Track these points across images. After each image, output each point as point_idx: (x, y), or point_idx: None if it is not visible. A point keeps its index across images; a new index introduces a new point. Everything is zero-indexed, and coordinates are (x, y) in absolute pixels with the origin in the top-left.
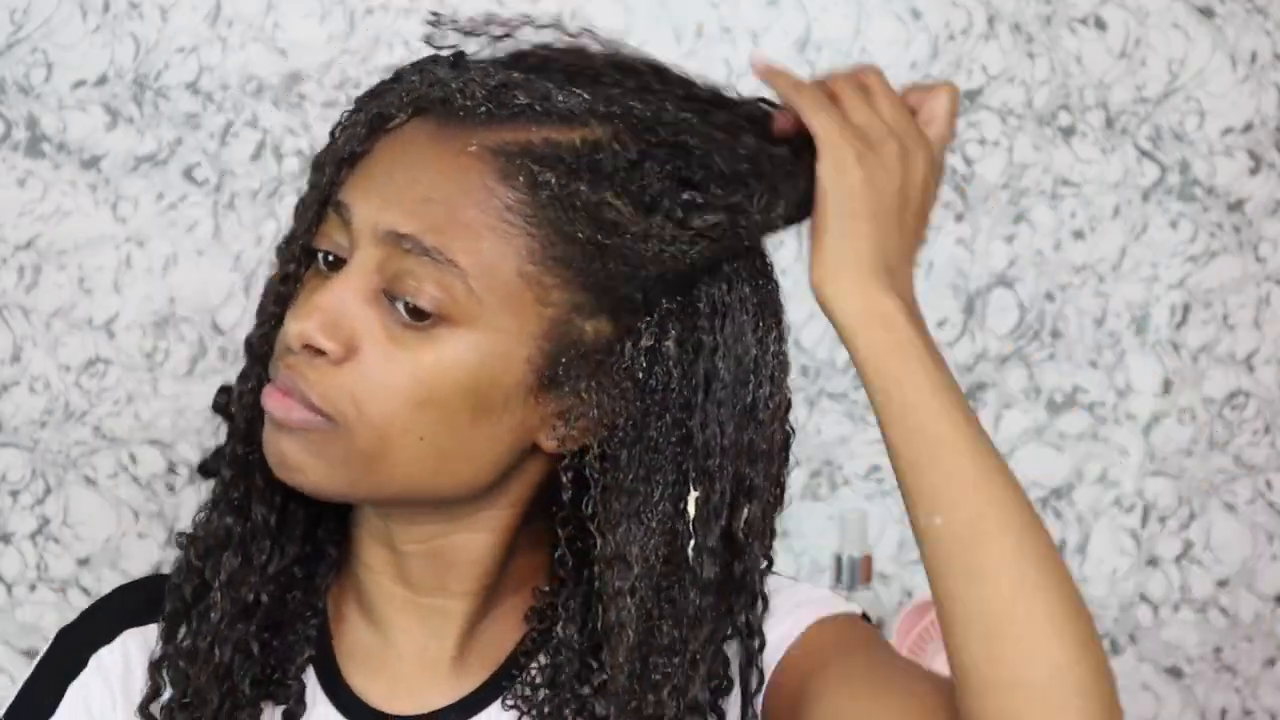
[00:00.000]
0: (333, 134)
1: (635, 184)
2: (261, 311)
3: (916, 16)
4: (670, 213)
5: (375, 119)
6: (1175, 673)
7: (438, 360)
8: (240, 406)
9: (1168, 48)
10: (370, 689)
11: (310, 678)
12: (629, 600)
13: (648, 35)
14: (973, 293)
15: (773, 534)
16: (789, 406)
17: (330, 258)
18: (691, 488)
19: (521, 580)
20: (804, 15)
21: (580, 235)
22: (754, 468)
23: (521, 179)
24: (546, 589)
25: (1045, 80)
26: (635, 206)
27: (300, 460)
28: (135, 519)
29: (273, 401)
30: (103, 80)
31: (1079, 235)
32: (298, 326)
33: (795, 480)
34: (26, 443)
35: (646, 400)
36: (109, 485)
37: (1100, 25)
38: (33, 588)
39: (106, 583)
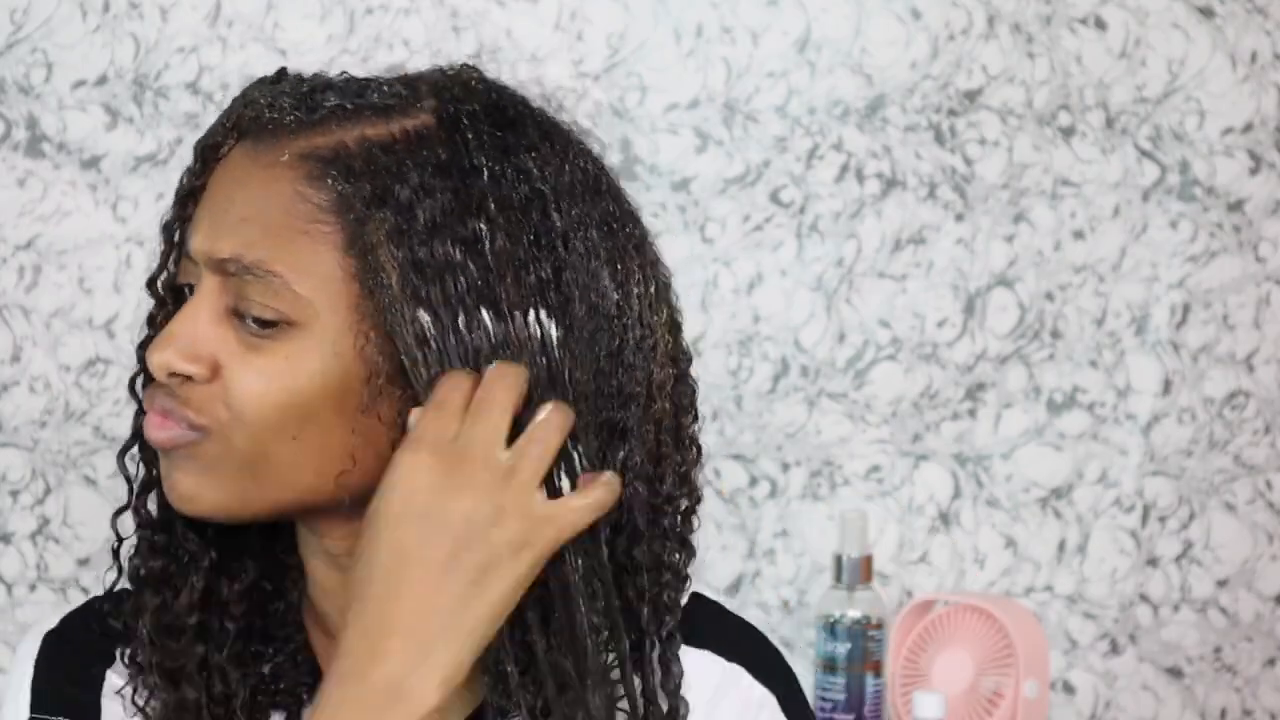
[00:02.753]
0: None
1: (454, 167)
2: (138, 358)
3: (916, 16)
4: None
5: (206, 150)
6: (1175, 673)
7: (289, 361)
8: (143, 451)
9: (1168, 48)
10: None
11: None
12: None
13: (647, 35)
14: (973, 293)
15: (682, 486)
16: (673, 346)
17: (190, 290)
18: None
19: None
20: (804, 15)
21: (391, 223)
22: (625, 411)
23: (329, 180)
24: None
25: (1045, 80)
26: (456, 189)
27: (192, 486)
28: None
29: (152, 427)
30: (103, 80)
31: (1079, 235)
32: (159, 358)
33: (795, 480)
34: (26, 443)
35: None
36: (109, 485)
37: (1100, 25)
38: (33, 588)
39: (107, 583)
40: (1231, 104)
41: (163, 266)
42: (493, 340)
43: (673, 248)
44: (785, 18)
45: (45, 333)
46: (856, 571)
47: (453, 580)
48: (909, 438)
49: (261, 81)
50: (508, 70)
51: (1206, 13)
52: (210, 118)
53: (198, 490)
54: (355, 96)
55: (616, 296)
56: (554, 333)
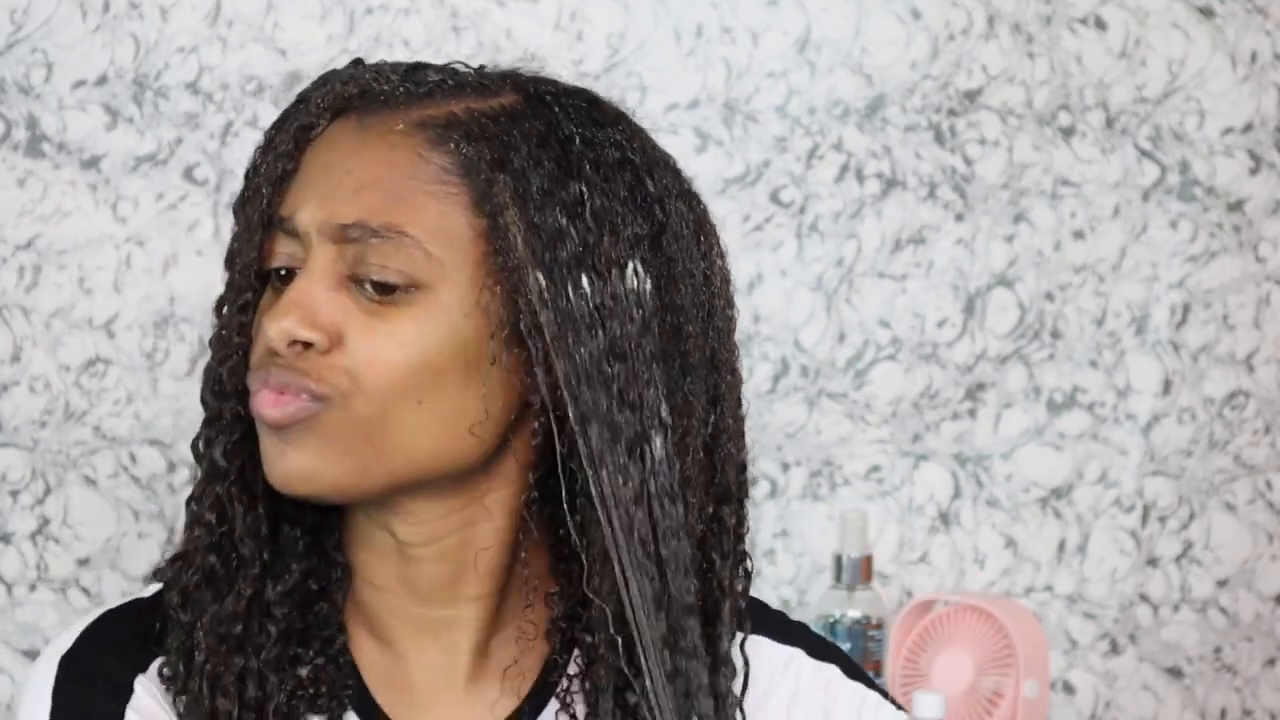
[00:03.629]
0: (255, 160)
1: (553, 137)
2: (224, 344)
3: (916, 16)
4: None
5: (299, 131)
6: (1175, 673)
7: (417, 324)
8: (223, 443)
9: (1168, 48)
10: (401, 714)
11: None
12: (624, 556)
13: (648, 35)
14: (973, 293)
15: (743, 456)
16: (735, 317)
17: (283, 272)
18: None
19: (528, 587)
20: (804, 15)
21: (512, 187)
22: (718, 376)
23: (452, 144)
24: (556, 592)
25: (1045, 80)
26: (558, 157)
27: (309, 462)
28: (135, 519)
29: (265, 404)
30: (103, 80)
31: (1079, 235)
32: (278, 326)
33: (795, 480)
34: (26, 443)
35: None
36: (109, 485)
37: (1100, 25)
38: (33, 588)
39: (106, 583)
40: (1231, 104)
41: (252, 248)
42: (593, 301)
43: None
44: (785, 18)
45: (45, 333)
46: (856, 571)
47: None
48: (909, 438)
49: (338, 72)
50: None
51: (1206, 13)
52: (210, 118)
53: (315, 466)
54: (453, 75)
55: (704, 265)
56: (648, 286)
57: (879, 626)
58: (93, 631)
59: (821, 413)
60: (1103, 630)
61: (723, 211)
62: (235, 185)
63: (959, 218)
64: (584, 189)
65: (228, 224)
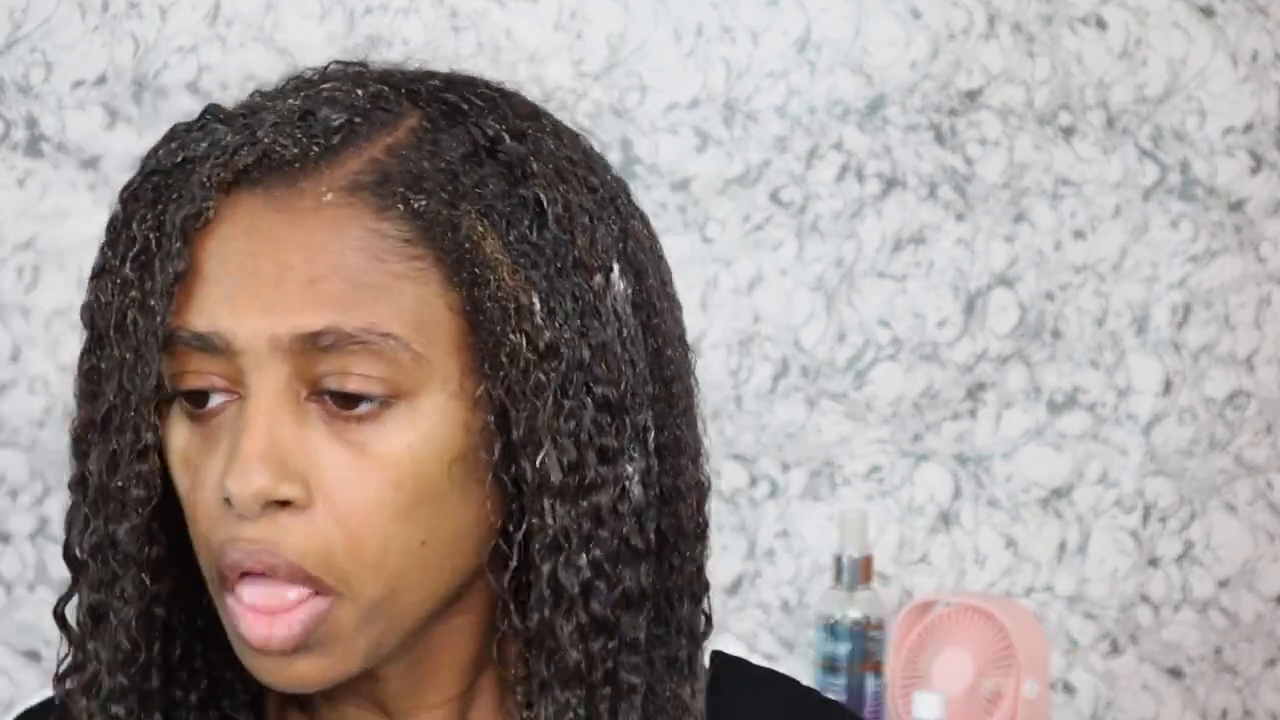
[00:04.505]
0: (107, 259)
1: (481, 147)
2: (114, 499)
3: (916, 16)
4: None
5: (185, 221)
6: (1176, 673)
7: (409, 449)
8: (129, 618)
9: (1168, 47)
10: None
11: None
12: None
13: (647, 35)
14: (973, 293)
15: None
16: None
17: (201, 396)
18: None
19: (499, 680)
20: (804, 15)
21: (478, 213)
22: (681, 384)
23: (400, 204)
24: (523, 675)
25: (1046, 80)
26: (500, 167)
27: (327, 672)
28: None
29: (261, 626)
30: (102, 80)
31: (1079, 235)
32: (247, 488)
33: (795, 480)
34: (26, 443)
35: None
36: None
37: (1101, 25)
38: (32, 588)
39: None
40: (1232, 104)
41: (147, 375)
42: (583, 307)
43: (673, 248)
44: (785, 18)
45: (44, 333)
46: (856, 572)
47: None
48: (909, 438)
49: (196, 128)
50: (508, 70)
51: (1207, 12)
52: None
53: (334, 669)
54: (350, 110)
55: (661, 266)
56: (629, 292)
57: (879, 627)
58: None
59: (821, 413)
60: (1103, 630)
61: (723, 212)
62: None
63: (959, 218)
64: (540, 193)
65: None
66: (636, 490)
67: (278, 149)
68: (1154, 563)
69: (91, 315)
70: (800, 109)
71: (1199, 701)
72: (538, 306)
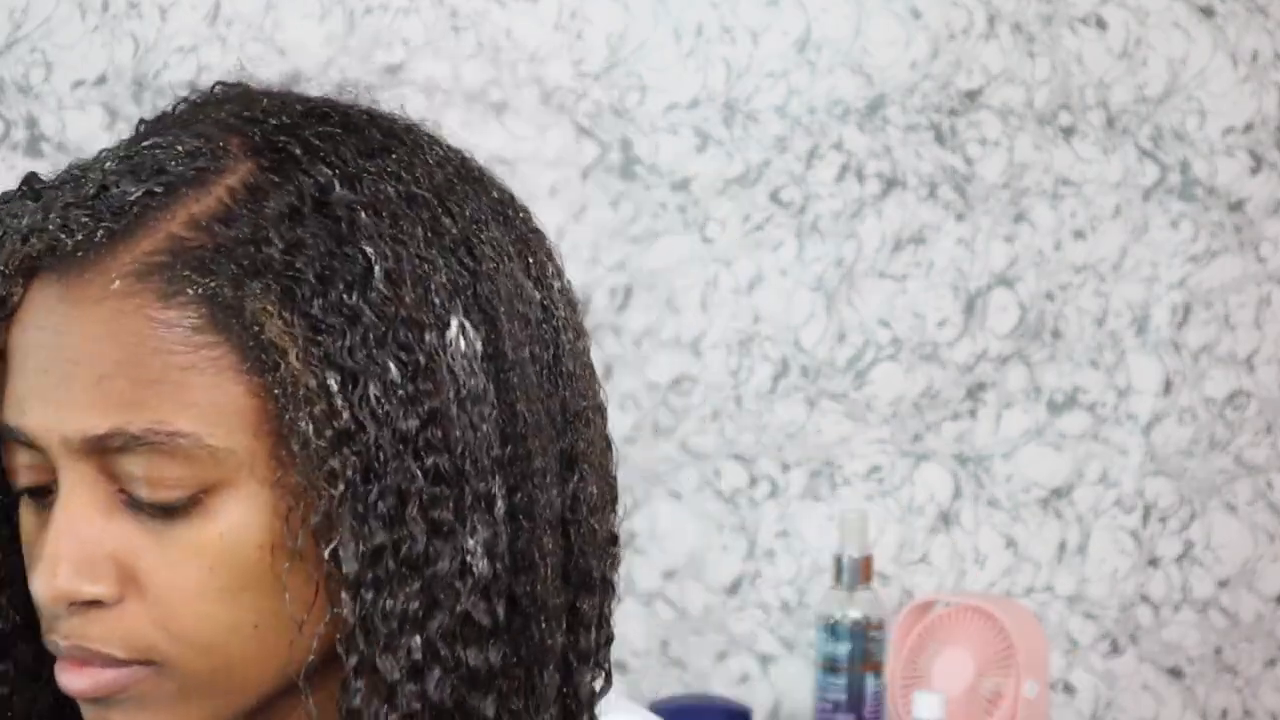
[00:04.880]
0: None
1: (307, 201)
2: None
3: (916, 16)
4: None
5: None
6: (1176, 673)
7: (221, 538)
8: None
9: (1168, 47)
10: None
11: None
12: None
13: (647, 35)
14: (973, 293)
15: (612, 539)
16: (588, 346)
17: (38, 490)
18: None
19: None
20: (804, 15)
21: (276, 294)
22: (574, 432)
23: (188, 289)
24: None
25: (1046, 80)
26: (322, 225)
27: None
28: None
29: (75, 679)
30: (102, 80)
31: (1079, 235)
32: (50, 591)
33: (795, 480)
34: None
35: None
36: None
37: (1101, 25)
38: None
39: None
40: (1232, 104)
41: None
42: (412, 371)
43: (673, 248)
44: (785, 18)
45: None
46: (856, 572)
47: None
48: (909, 438)
49: (11, 203)
50: (507, 70)
51: (1207, 12)
52: None
53: None
54: (155, 175)
55: (539, 296)
56: (478, 346)
57: (879, 627)
58: None
59: (821, 413)
60: (1103, 630)
61: (723, 212)
62: None
63: (959, 217)
64: (367, 248)
65: None
66: (481, 565)
67: (64, 236)
68: (1154, 563)
69: None
70: (800, 109)
71: (1199, 701)
72: (334, 387)
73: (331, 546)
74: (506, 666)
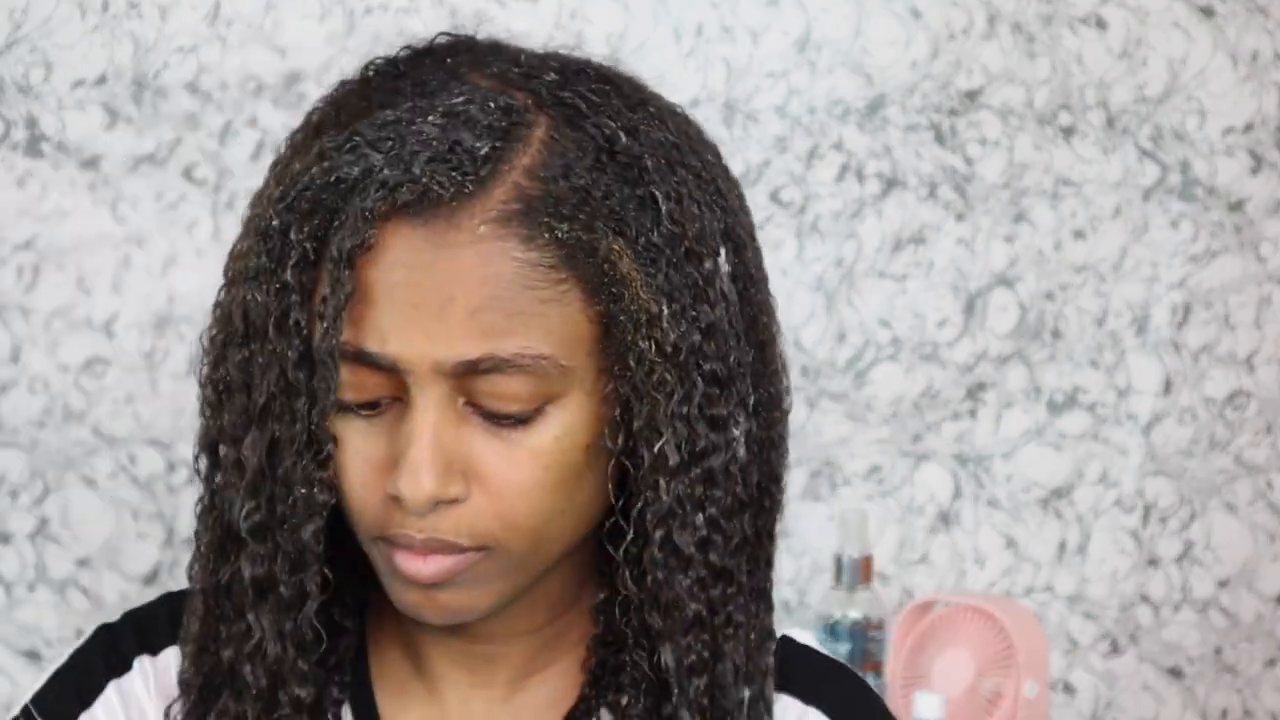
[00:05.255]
0: (259, 260)
1: (604, 150)
2: (302, 504)
3: (916, 16)
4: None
5: (350, 252)
6: (1176, 673)
7: (556, 441)
8: (283, 593)
9: (1168, 47)
10: None
11: (346, 712)
12: (686, 578)
13: (647, 35)
14: (973, 293)
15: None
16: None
17: (367, 404)
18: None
19: (574, 628)
20: (804, 15)
21: (613, 235)
22: (778, 383)
23: (545, 233)
24: (599, 635)
25: (1046, 80)
26: (618, 171)
27: (467, 604)
28: (134, 519)
29: (423, 567)
30: (102, 80)
31: (1079, 235)
32: (420, 493)
33: (795, 480)
34: (26, 443)
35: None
36: (108, 485)
37: (1101, 25)
38: (32, 588)
39: (106, 583)
40: (1232, 103)
41: (325, 388)
42: (695, 294)
43: None
44: (785, 18)
45: (45, 333)
46: (856, 572)
47: None
48: (909, 438)
49: (349, 149)
50: None
51: (1207, 12)
52: (210, 118)
53: (473, 605)
54: (488, 131)
55: (757, 249)
56: (732, 269)
57: (879, 627)
58: (139, 609)
59: (821, 413)
60: (1103, 630)
61: None
62: (235, 185)
63: (959, 218)
64: (654, 192)
65: (227, 224)
66: (741, 450)
67: (436, 188)
68: (1154, 563)
69: (246, 310)
70: (800, 109)
71: (1199, 701)
72: (665, 313)
73: (659, 444)
74: (759, 535)
